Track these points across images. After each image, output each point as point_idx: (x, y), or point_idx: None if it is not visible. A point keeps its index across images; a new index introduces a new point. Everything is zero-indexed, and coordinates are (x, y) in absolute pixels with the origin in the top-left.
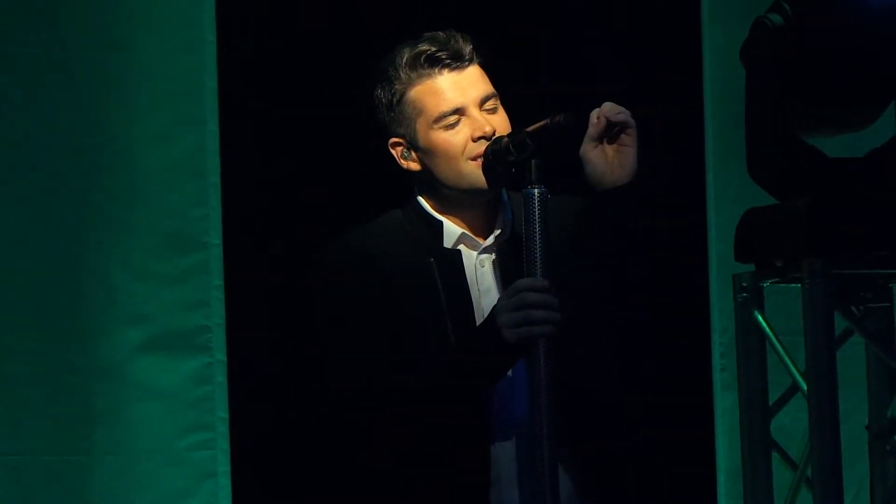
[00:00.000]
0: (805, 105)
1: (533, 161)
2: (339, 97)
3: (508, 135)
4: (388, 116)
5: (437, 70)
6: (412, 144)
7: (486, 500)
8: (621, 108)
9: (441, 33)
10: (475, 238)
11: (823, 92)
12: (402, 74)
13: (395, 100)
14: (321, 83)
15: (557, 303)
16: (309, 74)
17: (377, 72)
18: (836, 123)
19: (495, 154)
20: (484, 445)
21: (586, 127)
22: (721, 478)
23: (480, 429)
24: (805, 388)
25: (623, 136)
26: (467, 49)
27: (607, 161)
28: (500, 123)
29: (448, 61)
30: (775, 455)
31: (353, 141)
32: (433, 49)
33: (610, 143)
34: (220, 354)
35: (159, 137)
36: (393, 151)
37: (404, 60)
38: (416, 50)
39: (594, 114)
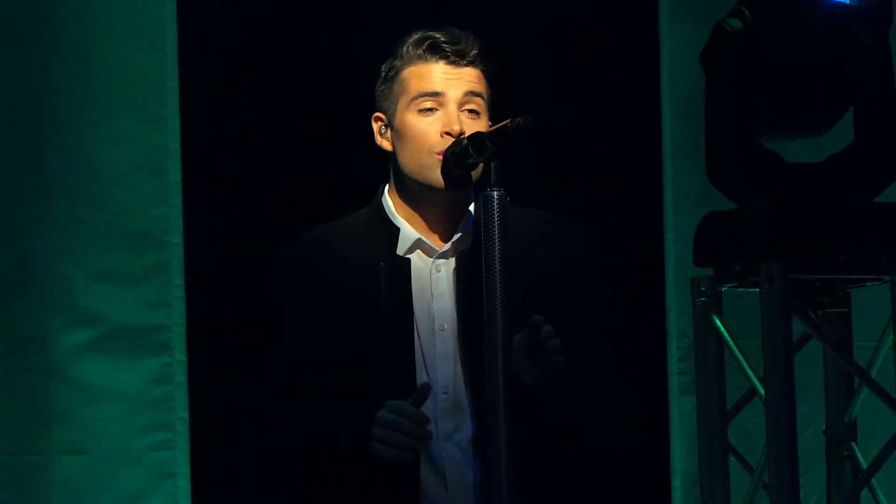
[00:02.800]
0: (764, 110)
1: (492, 163)
2: (302, 96)
3: (468, 136)
4: (380, 90)
5: (435, 58)
6: (390, 122)
7: None
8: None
9: (458, 29)
10: (432, 243)
11: (782, 97)
12: (404, 52)
13: (390, 74)
14: (283, 83)
15: (430, 434)
16: (271, 74)
17: (393, 46)
18: (796, 128)
19: (454, 155)
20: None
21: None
22: (677, 482)
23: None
24: (763, 392)
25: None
26: (472, 51)
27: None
28: (475, 128)
29: (448, 53)
30: (733, 459)
31: (314, 140)
32: (440, 38)
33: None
34: (181, 354)
35: (120, 136)
36: (373, 125)
37: (412, 40)
38: (426, 34)
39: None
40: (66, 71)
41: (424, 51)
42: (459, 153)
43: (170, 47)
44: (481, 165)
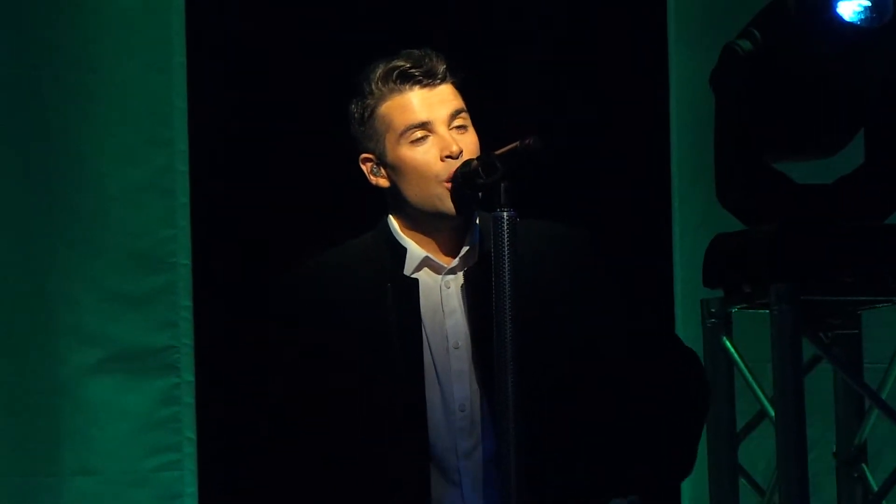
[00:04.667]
0: (774, 131)
1: (502, 184)
2: (311, 117)
3: (477, 158)
4: (360, 131)
5: (408, 86)
6: (381, 160)
7: None
8: None
9: (416, 51)
10: (439, 261)
11: (792, 119)
12: (374, 89)
13: (366, 114)
14: (291, 104)
15: None
16: (279, 95)
17: (352, 86)
18: (805, 150)
19: (464, 177)
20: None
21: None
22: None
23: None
24: (773, 414)
25: None
26: (440, 67)
27: None
28: (468, 143)
29: (420, 78)
30: (742, 481)
31: (324, 161)
32: (406, 65)
33: None
34: (188, 375)
35: (128, 157)
36: (363, 167)
37: (377, 75)
38: (390, 66)
39: None
40: (75, 91)
41: (395, 82)
42: (469, 174)
43: (178, 69)
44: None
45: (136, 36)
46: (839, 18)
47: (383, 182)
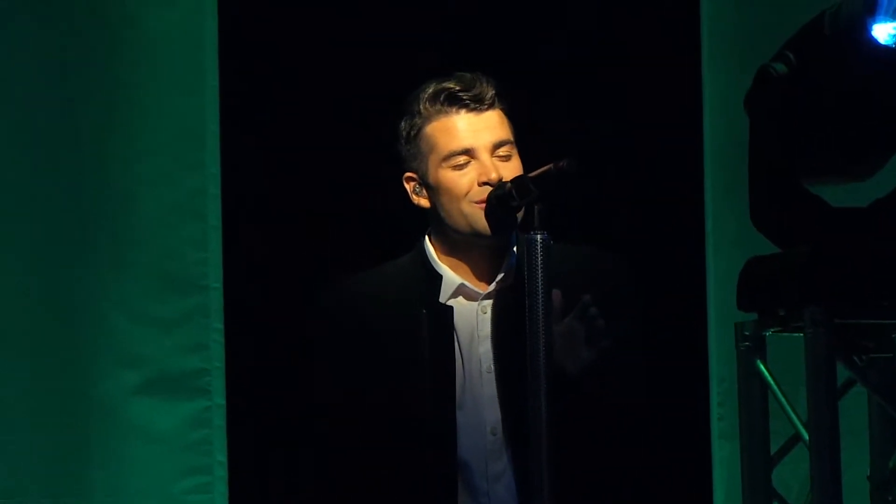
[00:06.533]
0: (809, 154)
1: (536, 206)
2: (341, 140)
3: (511, 180)
4: (405, 150)
5: (455, 109)
6: (423, 181)
7: None
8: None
9: (468, 74)
10: (475, 287)
11: (827, 141)
12: (422, 109)
13: (412, 133)
14: (323, 128)
15: None
16: (310, 119)
17: (404, 104)
18: (840, 173)
19: (498, 199)
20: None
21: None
22: None
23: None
24: (807, 437)
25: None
26: (489, 93)
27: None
28: (510, 171)
29: (467, 102)
30: None
31: (355, 184)
32: (456, 88)
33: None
34: (219, 398)
35: (160, 180)
36: (406, 186)
37: (426, 95)
38: (440, 87)
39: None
40: (108, 114)
41: (442, 104)
42: (503, 196)
43: (210, 92)
44: (524, 208)
45: (169, 59)
46: (874, 41)
47: (424, 202)
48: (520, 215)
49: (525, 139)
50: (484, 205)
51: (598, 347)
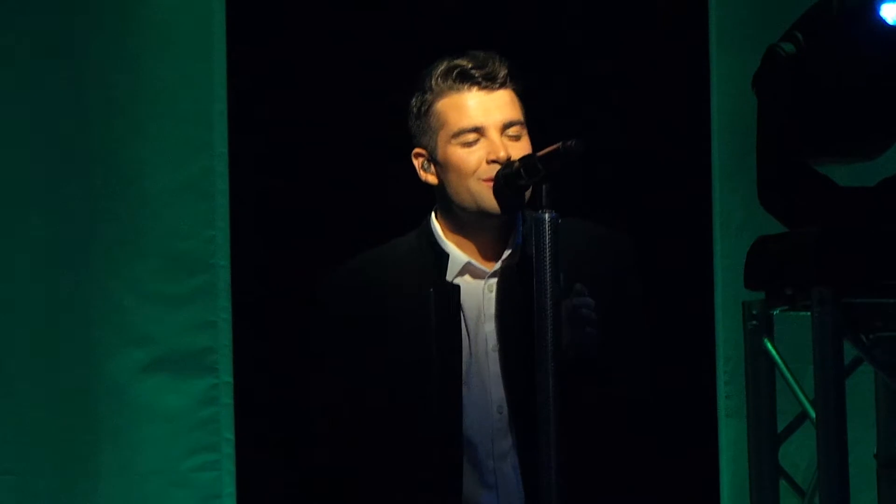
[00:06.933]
0: (816, 134)
1: (543, 186)
2: (349, 119)
3: (519, 159)
4: (415, 125)
5: (466, 86)
6: (432, 157)
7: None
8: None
9: (481, 52)
10: (482, 265)
11: (835, 121)
12: (433, 85)
13: (423, 109)
14: (331, 106)
15: None
16: (318, 97)
17: (416, 80)
18: (848, 152)
19: (506, 178)
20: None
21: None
22: None
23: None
24: (814, 416)
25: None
26: (502, 72)
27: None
28: (519, 151)
29: (479, 79)
30: (783, 482)
31: (363, 163)
32: (468, 65)
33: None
34: (227, 376)
35: (168, 160)
36: (415, 161)
37: (439, 72)
38: (452, 63)
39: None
40: (116, 94)
41: (454, 80)
42: (511, 175)
43: (218, 71)
44: (531, 187)
45: (177, 39)
46: (883, 22)
47: (432, 179)
48: (527, 195)
49: (534, 120)
50: (492, 183)
51: (584, 332)
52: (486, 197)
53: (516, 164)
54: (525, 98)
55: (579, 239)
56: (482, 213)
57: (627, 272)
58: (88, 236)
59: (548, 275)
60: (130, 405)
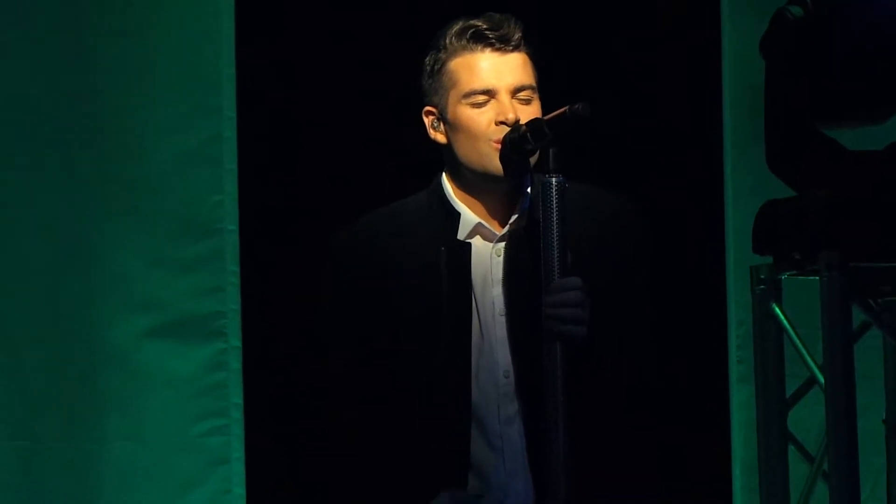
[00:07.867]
0: (824, 97)
1: (551, 150)
2: (358, 84)
3: (526, 123)
4: (428, 83)
5: (480, 47)
6: (442, 116)
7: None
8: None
9: (497, 14)
10: (492, 228)
11: (843, 85)
12: (447, 44)
13: (436, 67)
14: (339, 70)
15: None
16: (327, 62)
17: (432, 38)
18: (856, 117)
19: (512, 142)
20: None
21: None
22: (736, 470)
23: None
24: (822, 381)
25: None
26: (516, 35)
27: None
28: (528, 115)
29: (493, 41)
30: (791, 448)
31: (371, 127)
32: (483, 26)
33: None
34: (235, 340)
35: (176, 124)
36: (425, 119)
37: (453, 31)
38: (467, 24)
39: None
40: (124, 59)
41: (468, 40)
42: (518, 139)
43: (226, 36)
44: (539, 151)
45: (185, 4)
46: None
47: (441, 138)
48: (533, 159)
49: (545, 86)
50: (499, 145)
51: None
52: (493, 160)
53: (523, 127)
54: (538, 62)
55: (586, 203)
56: (487, 176)
57: (638, 246)
58: (96, 201)
59: (554, 238)
60: (138, 371)
